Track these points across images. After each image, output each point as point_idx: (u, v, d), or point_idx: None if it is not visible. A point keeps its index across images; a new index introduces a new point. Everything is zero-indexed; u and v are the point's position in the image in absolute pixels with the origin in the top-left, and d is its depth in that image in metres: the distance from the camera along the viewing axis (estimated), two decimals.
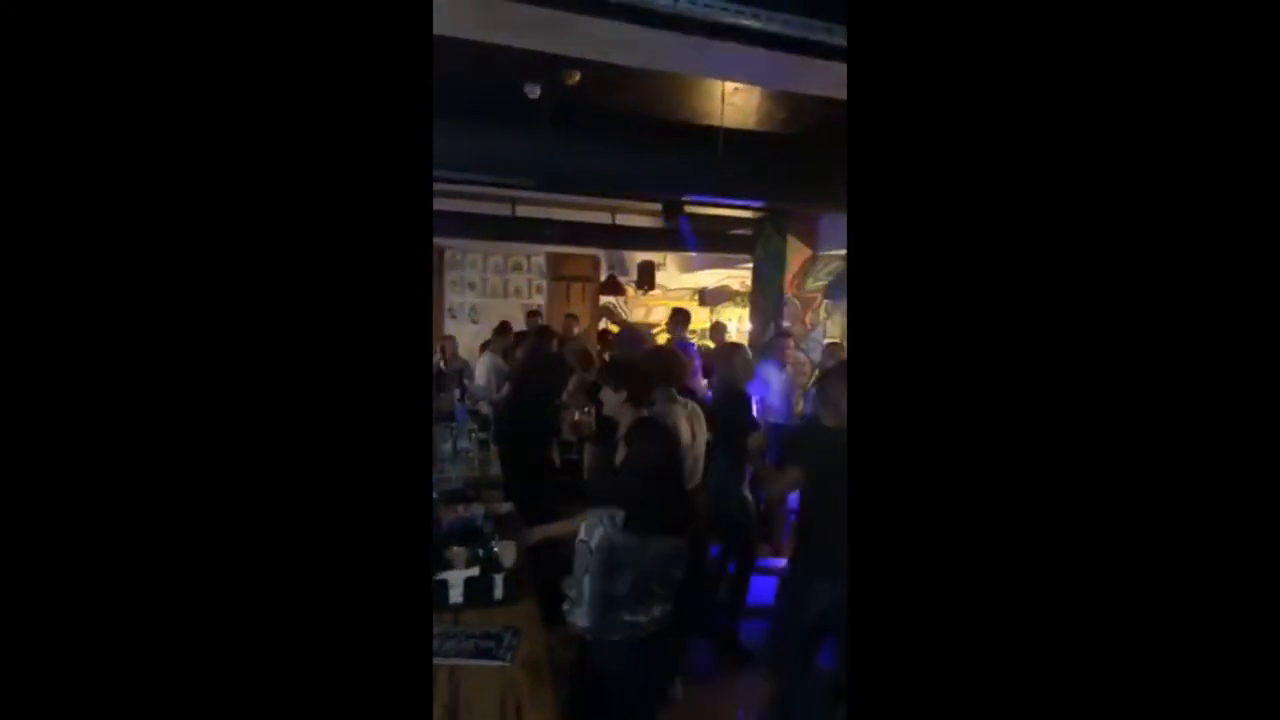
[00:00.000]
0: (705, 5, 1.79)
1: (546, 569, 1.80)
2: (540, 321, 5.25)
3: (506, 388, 3.76)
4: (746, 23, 1.86)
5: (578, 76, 3.06)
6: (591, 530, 1.46)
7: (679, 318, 4.10)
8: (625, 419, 1.68)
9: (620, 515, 1.45)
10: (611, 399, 1.81)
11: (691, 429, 2.27)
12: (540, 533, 1.86)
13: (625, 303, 6.92)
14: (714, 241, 5.91)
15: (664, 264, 6.89)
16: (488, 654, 1.36)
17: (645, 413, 1.81)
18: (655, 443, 1.57)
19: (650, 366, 2.08)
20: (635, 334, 4.05)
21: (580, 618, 1.47)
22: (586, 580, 1.46)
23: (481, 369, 4.20)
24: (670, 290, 7.09)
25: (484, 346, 4.82)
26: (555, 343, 3.56)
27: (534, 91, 3.16)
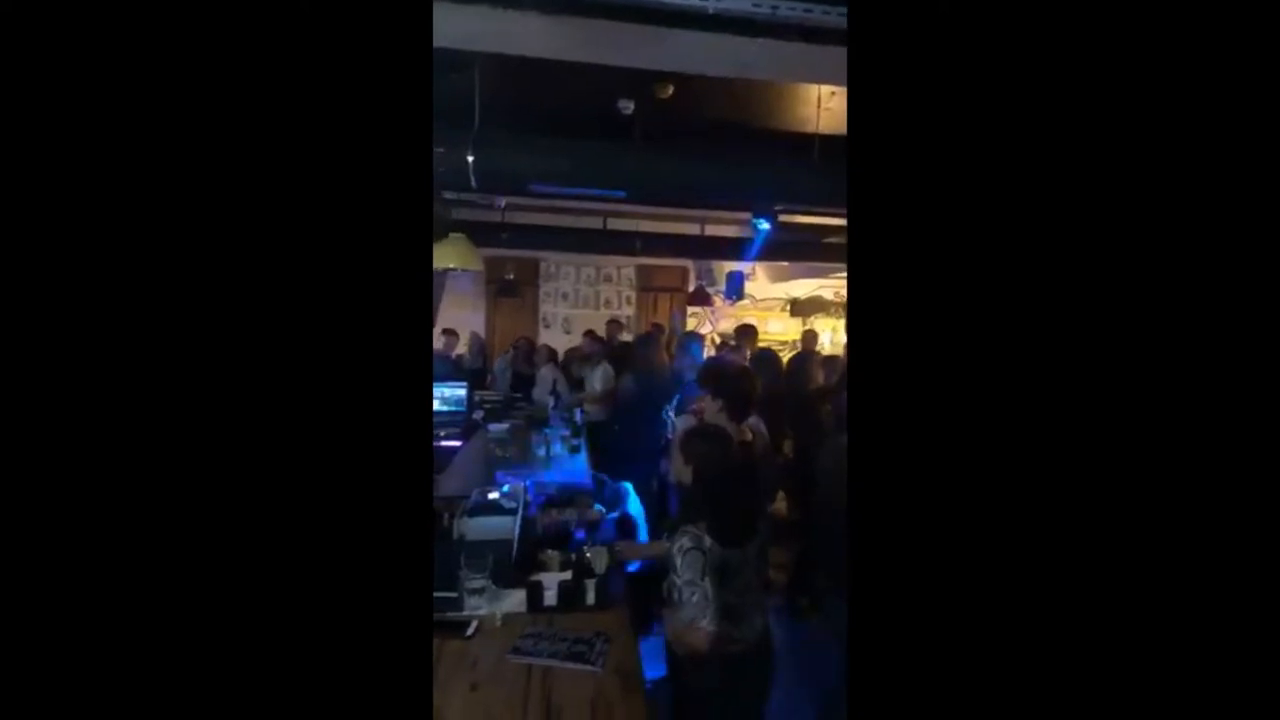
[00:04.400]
0: (796, 9, 1.75)
1: (639, 578, 1.81)
2: (623, 332, 5.34)
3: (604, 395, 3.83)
4: (835, 23, 1.80)
5: (671, 89, 3.09)
6: (699, 539, 1.44)
7: (744, 332, 4.11)
8: (681, 431, 1.66)
9: (704, 526, 1.43)
10: (710, 405, 1.80)
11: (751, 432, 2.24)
12: (631, 550, 1.88)
13: (713, 313, 6.87)
14: (805, 251, 5.75)
15: (754, 274, 6.78)
16: (580, 658, 1.38)
17: (699, 423, 1.78)
18: (716, 449, 1.53)
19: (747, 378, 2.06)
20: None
21: (709, 623, 1.44)
22: (707, 583, 1.43)
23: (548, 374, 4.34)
24: (760, 300, 6.96)
25: (571, 353, 4.98)
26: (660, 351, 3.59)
27: (628, 107, 3.23)
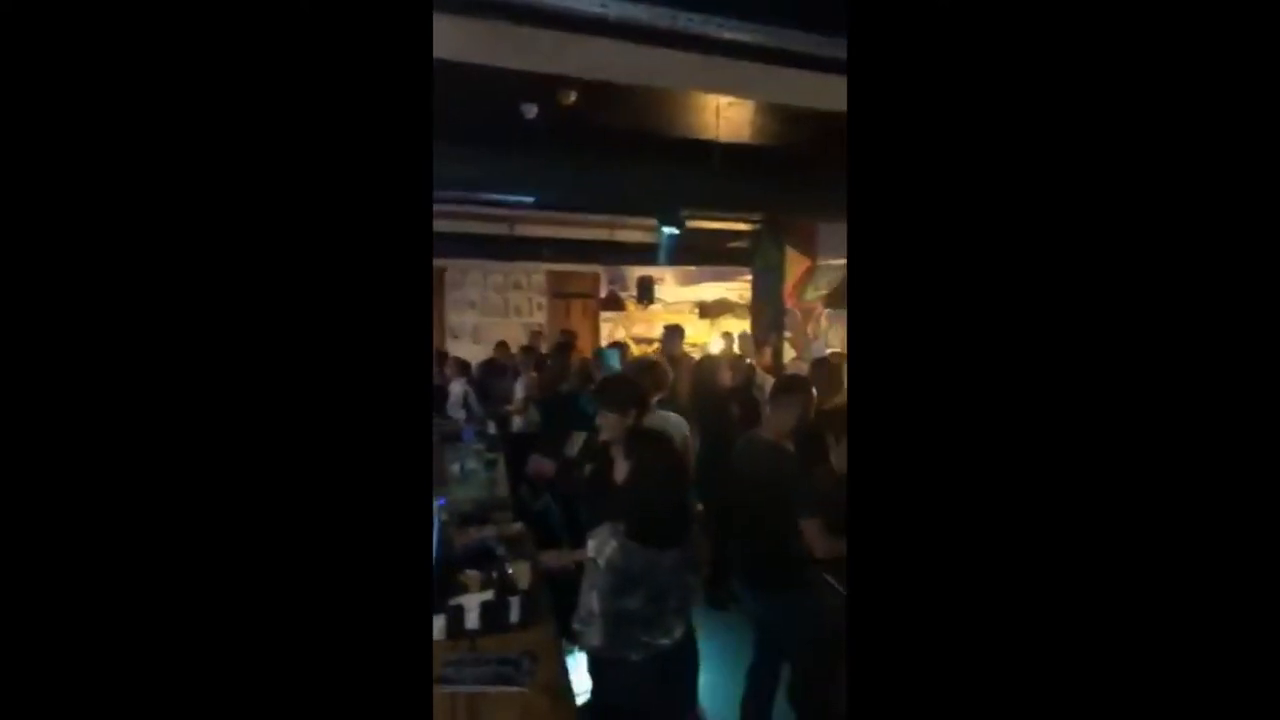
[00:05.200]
0: (699, 21, 1.81)
1: (561, 590, 1.78)
2: (541, 341, 5.25)
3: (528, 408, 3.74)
4: (740, 37, 1.88)
5: (573, 96, 3.09)
6: (601, 547, 1.43)
7: (672, 333, 4.16)
8: (617, 434, 1.67)
9: (622, 528, 1.42)
10: (609, 419, 1.79)
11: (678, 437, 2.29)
12: (553, 558, 1.84)
13: (625, 318, 6.93)
14: (711, 255, 5.94)
15: (663, 279, 6.91)
16: (507, 680, 1.34)
17: (638, 424, 1.79)
18: (656, 452, 1.54)
19: (640, 381, 2.08)
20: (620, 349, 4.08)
21: (594, 637, 1.42)
22: (595, 597, 1.42)
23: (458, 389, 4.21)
24: (670, 304, 7.11)
25: (484, 365, 4.83)
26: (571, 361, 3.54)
27: (530, 111, 3.18)
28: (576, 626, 1.46)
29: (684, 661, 1.49)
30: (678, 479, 1.54)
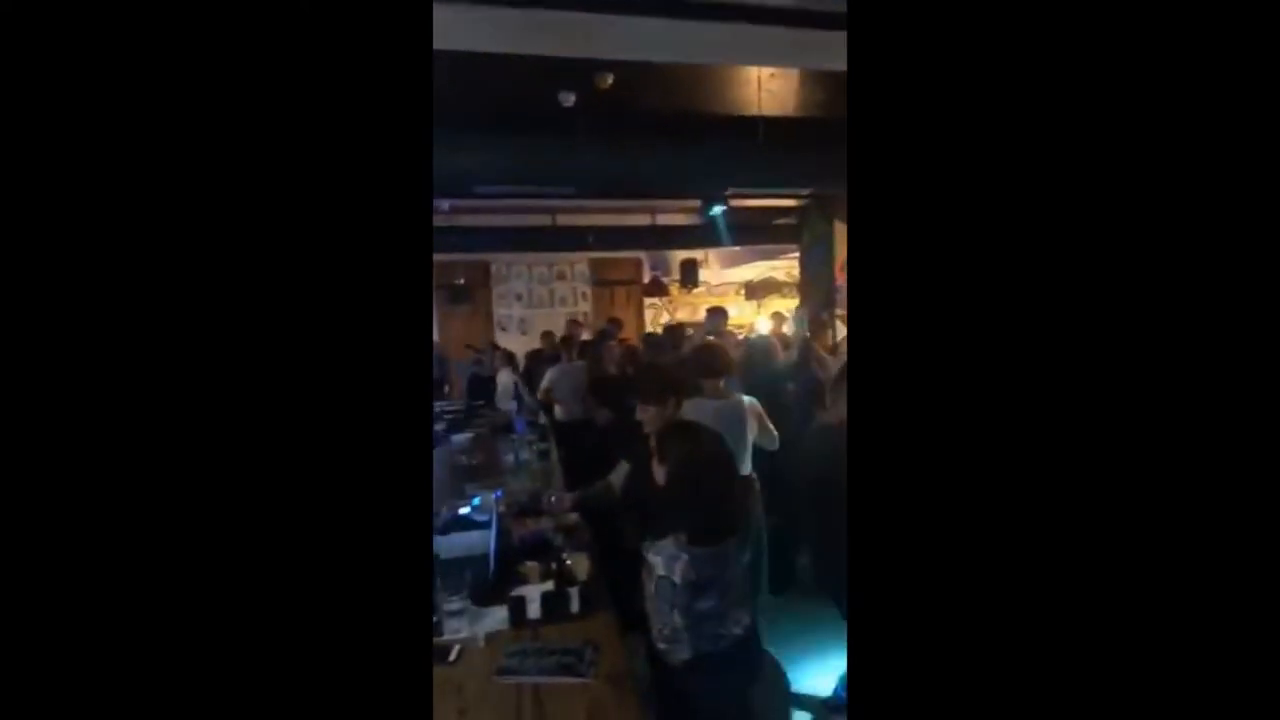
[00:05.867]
0: None
1: (623, 580, 1.77)
2: (582, 330, 5.25)
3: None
4: (781, 3, 1.79)
5: (610, 79, 3.04)
6: (670, 564, 1.39)
7: (715, 315, 4.04)
8: (658, 426, 1.63)
9: (684, 536, 1.38)
10: (649, 412, 1.75)
11: (742, 421, 2.23)
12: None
13: (670, 303, 6.87)
14: (756, 233, 5.80)
15: (706, 260, 6.81)
16: (570, 670, 1.34)
17: (676, 417, 1.74)
18: (689, 448, 1.47)
19: (683, 370, 2.02)
20: (674, 335, 4.01)
21: (683, 650, 1.40)
22: (677, 614, 1.39)
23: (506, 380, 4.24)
24: (715, 286, 7.00)
25: (531, 356, 4.88)
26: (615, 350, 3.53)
27: (568, 99, 3.16)
28: (661, 646, 1.43)
29: (753, 646, 1.47)
30: (718, 470, 1.47)
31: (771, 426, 2.36)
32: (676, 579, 1.37)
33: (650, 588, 1.44)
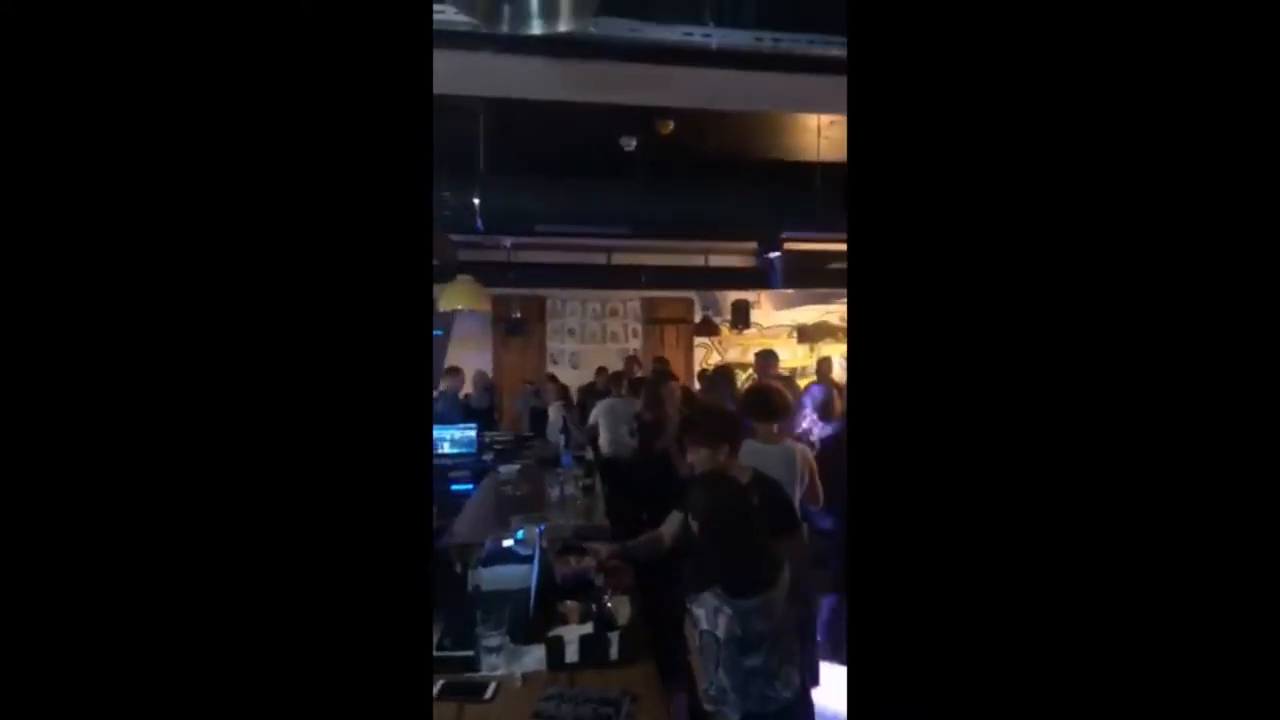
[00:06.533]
0: (799, 40, 1.76)
1: (663, 627, 1.72)
2: (636, 367, 5.27)
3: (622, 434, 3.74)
4: (837, 53, 1.81)
5: (671, 125, 3.12)
6: (713, 618, 1.35)
7: (764, 358, 3.99)
8: (709, 469, 1.60)
9: (720, 588, 1.34)
10: (700, 455, 1.71)
11: (792, 469, 2.15)
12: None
13: (720, 343, 6.85)
14: (811, 277, 5.74)
15: (759, 303, 6.78)
16: None
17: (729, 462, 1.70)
18: (717, 500, 1.44)
19: (737, 413, 1.97)
20: (727, 374, 3.97)
21: (732, 712, 1.35)
22: (723, 673, 1.34)
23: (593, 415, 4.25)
24: (766, 329, 6.94)
25: (584, 390, 4.92)
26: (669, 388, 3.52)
27: (629, 144, 3.26)
28: (708, 708, 1.38)
29: (804, 708, 1.39)
30: (747, 520, 1.43)
31: (819, 484, 2.27)
32: (720, 633, 1.33)
33: (694, 641, 1.40)
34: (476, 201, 2.76)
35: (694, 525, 1.47)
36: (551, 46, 1.86)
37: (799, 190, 3.34)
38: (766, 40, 1.68)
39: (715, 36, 1.61)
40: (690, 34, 1.62)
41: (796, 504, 2.18)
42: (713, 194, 3.28)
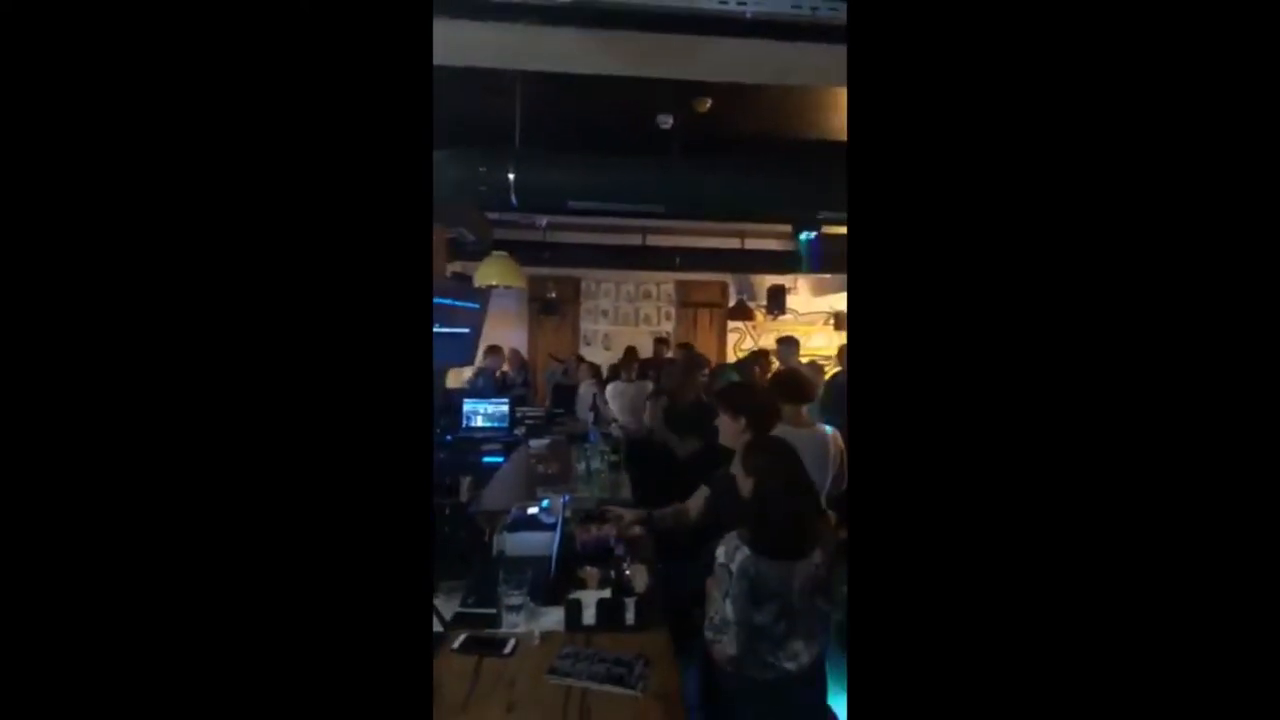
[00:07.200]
0: (839, 9, 1.71)
1: (679, 596, 1.75)
2: (667, 349, 5.27)
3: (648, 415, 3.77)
4: None
5: (709, 103, 3.08)
6: (731, 554, 1.40)
7: (786, 345, 3.99)
8: (733, 439, 1.63)
9: (748, 536, 1.39)
10: (725, 423, 1.74)
11: (825, 455, 2.14)
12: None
13: (754, 327, 6.77)
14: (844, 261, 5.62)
15: (795, 288, 6.67)
16: (620, 680, 1.33)
17: (760, 436, 1.73)
18: (773, 465, 1.49)
19: (769, 391, 2.00)
20: (759, 359, 3.96)
21: (729, 646, 1.40)
22: (729, 605, 1.38)
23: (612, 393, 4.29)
24: (802, 315, 6.82)
25: (614, 369, 4.95)
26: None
27: (666, 121, 3.23)
28: (709, 634, 1.43)
29: (809, 690, 1.40)
30: (798, 493, 1.47)
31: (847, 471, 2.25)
32: (733, 567, 1.37)
33: (709, 578, 1.44)
34: (511, 178, 2.79)
35: (744, 486, 1.50)
36: (588, 18, 1.85)
37: (838, 169, 3.26)
38: (805, 8, 1.64)
39: (750, 5, 1.58)
40: (725, 2, 1.59)
41: (825, 490, 2.16)
42: (750, 173, 3.23)
